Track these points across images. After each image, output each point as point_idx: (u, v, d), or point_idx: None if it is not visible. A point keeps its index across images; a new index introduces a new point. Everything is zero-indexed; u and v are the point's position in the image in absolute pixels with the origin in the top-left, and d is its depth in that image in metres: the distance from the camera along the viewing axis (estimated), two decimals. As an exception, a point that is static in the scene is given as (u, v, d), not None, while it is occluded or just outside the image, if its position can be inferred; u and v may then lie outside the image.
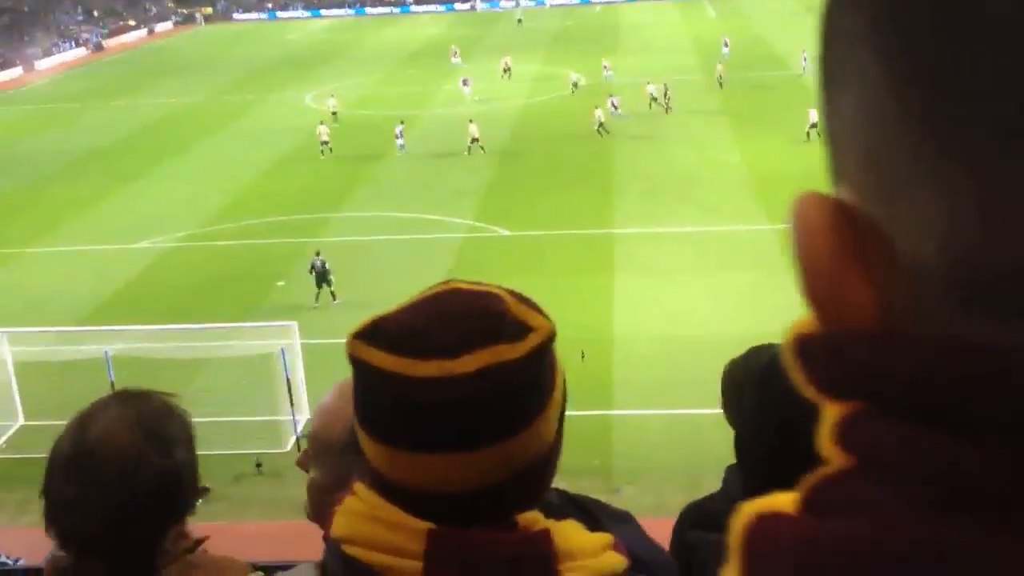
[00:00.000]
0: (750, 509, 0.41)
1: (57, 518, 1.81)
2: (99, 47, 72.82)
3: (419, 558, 1.14)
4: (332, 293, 22.74)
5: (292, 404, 17.45)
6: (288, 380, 17.62)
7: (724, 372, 2.66)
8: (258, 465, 16.19)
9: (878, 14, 0.37)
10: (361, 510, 1.20)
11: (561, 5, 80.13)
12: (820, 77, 0.42)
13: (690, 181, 30.22)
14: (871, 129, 0.38)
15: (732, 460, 1.89)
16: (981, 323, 0.36)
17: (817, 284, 0.41)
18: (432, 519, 1.16)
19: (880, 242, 0.39)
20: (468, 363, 1.14)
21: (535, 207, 28.66)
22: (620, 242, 25.78)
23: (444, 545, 1.15)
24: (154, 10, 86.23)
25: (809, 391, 0.42)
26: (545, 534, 1.19)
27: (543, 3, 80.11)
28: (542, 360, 1.19)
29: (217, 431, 16.70)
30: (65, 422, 1.87)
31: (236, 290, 23.70)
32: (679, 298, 22.07)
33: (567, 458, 1.29)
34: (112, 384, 17.14)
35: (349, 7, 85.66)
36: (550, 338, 1.20)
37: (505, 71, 47.44)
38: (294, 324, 19.12)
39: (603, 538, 1.23)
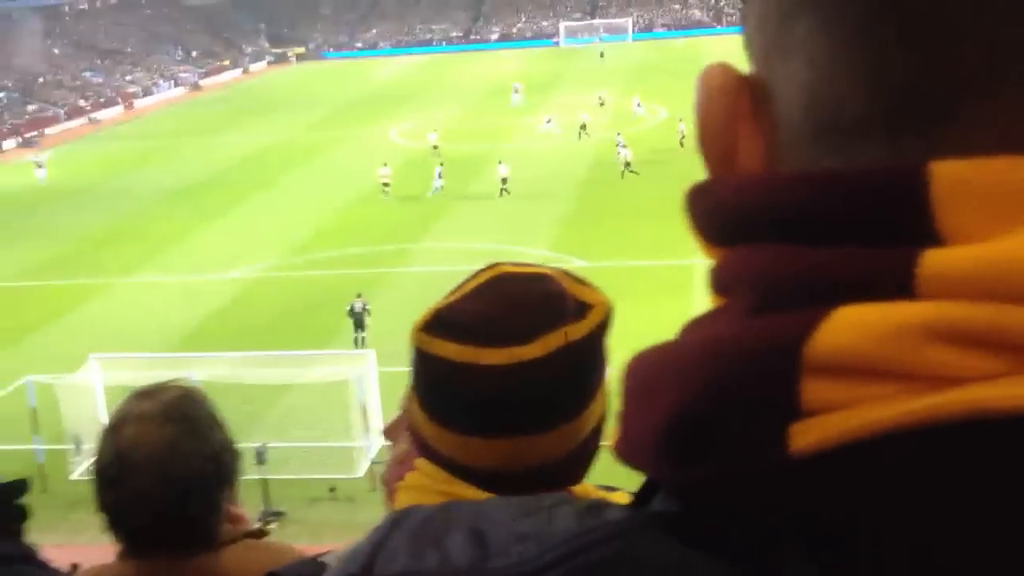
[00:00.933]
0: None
1: (120, 523, 1.88)
2: (196, 86, 75.48)
3: None
4: (363, 339, 22.25)
5: (367, 430, 17.74)
6: (364, 407, 17.93)
7: None
8: (331, 490, 16.47)
9: None
10: (426, 484, 1.22)
11: (643, 38, 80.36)
12: None
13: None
14: (762, 8, 0.45)
15: None
16: (820, 156, 0.42)
17: (710, 141, 0.45)
18: (496, 492, 1.17)
19: (766, 100, 0.44)
20: (539, 347, 1.15)
21: (613, 238, 28.72)
22: (700, 273, 25.59)
23: None
24: (249, 50, 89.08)
25: (699, 244, 0.45)
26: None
27: (626, 37, 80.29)
28: (603, 336, 1.21)
29: (294, 456, 17.13)
30: None
31: (318, 318, 24.22)
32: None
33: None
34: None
35: (435, 45, 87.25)
36: (609, 313, 1.22)
37: (601, 104, 47.72)
38: (372, 352, 19.45)
39: None
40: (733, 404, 0.38)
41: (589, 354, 1.19)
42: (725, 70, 0.46)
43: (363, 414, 17.87)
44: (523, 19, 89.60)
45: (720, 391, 0.38)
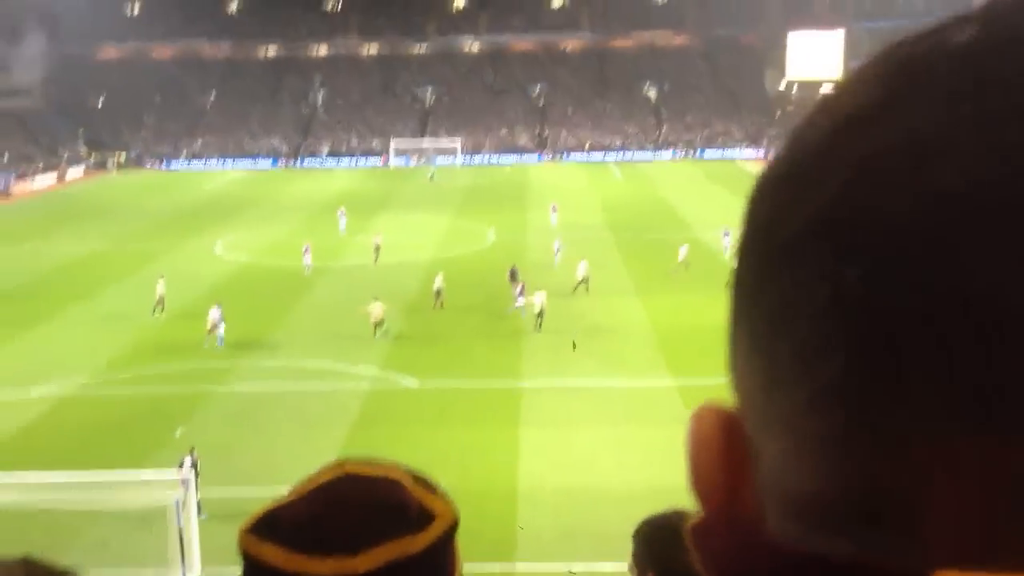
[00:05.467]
0: None
1: None
2: (6, 192, 71.98)
3: None
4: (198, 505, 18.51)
5: (183, 558, 16.86)
6: (181, 532, 17.06)
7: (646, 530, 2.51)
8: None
9: (739, 306, 0.48)
10: None
11: (472, 164, 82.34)
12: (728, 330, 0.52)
13: (595, 336, 30.82)
14: (743, 380, 0.49)
15: None
16: (796, 535, 0.46)
17: (701, 483, 0.51)
18: None
19: (752, 457, 0.49)
20: (368, 560, 1.08)
21: (441, 358, 28.82)
22: (527, 395, 25.97)
23: None
24: (66, 155, 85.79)
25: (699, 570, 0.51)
26: None
27: (454, 162, 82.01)
28: (445, 550, 1.14)
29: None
30: None
31: (134, 438, 23.06)
32: (583, 450, 22.20)
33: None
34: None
35: (264, 158, 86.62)
36: (453, 525, 1.15)
37: (376, 249, 42.83)
38: (191, 474, 18.64)
39: None
40: None
41: (425, 569, 1.12)
42: (718, 416, 0.50)
43: (181, 540, 16.99)
44: (353, 136, 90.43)
45: None
